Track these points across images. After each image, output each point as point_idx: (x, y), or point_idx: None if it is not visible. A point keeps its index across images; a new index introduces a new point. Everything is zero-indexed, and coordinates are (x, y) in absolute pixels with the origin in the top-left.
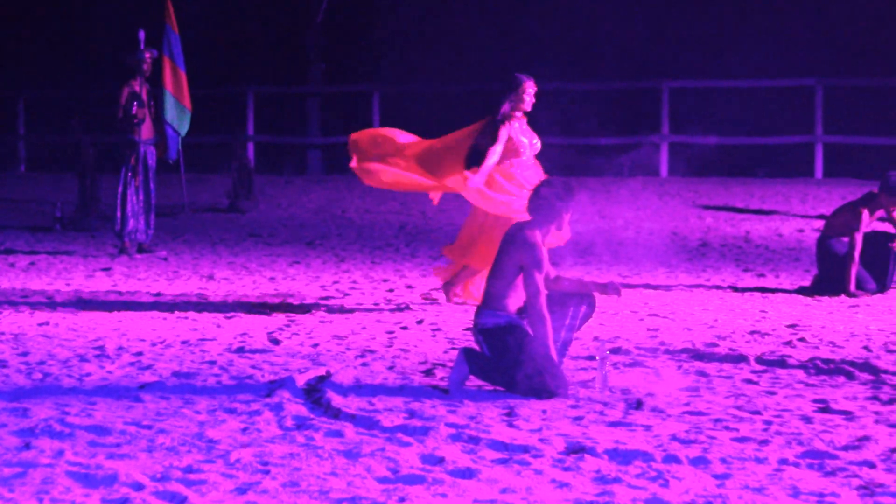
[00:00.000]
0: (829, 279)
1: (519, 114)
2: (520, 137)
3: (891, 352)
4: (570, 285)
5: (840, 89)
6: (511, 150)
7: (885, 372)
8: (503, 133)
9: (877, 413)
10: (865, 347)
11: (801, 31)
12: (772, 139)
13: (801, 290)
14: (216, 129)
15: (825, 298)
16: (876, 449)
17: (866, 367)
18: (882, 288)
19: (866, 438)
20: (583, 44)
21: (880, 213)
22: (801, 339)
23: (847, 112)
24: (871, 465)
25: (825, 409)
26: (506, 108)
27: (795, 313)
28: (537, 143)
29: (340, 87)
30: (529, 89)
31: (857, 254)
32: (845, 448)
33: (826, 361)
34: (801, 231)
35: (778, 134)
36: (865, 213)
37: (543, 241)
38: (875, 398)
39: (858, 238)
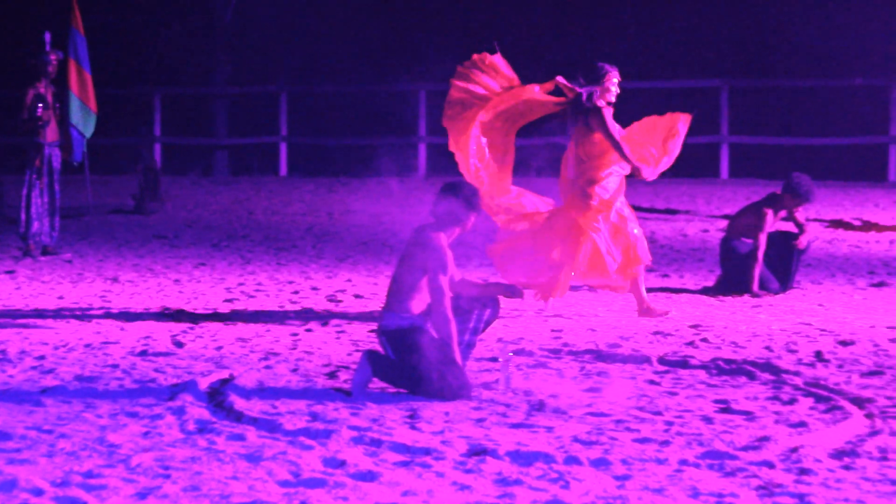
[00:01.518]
0: (733, 279)
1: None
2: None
3: (792, 352)
4: (474, 288)
5: (745, 90)
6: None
7: (786, 372)
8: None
9: (777, 413)
10: (767, 348)
11: (706, 33)
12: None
13: (705, 291)
14: (123, 130)
15: (728, 298)
16: (775, 449)
17: (768, 367)
18: (785, 288)
19: (766, 439)
20: (478, 43)
21: (784, 213)
22: (704, 340)
23: (752, 112)
24: (771, 466)
25: (726, 410)
26: (597, 101)
27: (698, 313)
28: None
29: (248, 88)
30: (615, 78)
31: (760, 254)
32: (745, 448)
33: (728, 362)
34: (705, 231)
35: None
36: (769, 214)
37: (448, 243)
38: (776, 398)
39: (762, 238)
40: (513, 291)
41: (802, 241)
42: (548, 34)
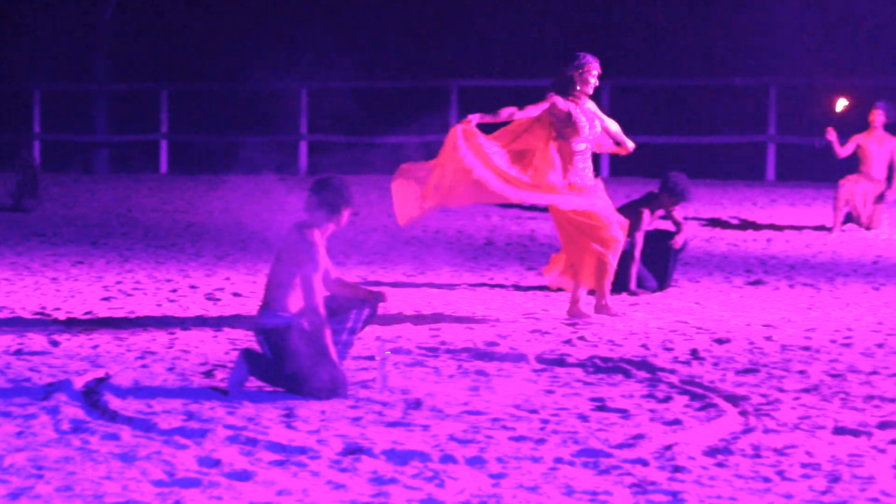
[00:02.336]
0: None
1: (581, 94)
2: (580, 117)
3: (668, 350)
4: (346, 289)
5: (629, 89)
6: (572, 130)
7: (662, 370)
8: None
9: (652, 411)
10: (644, 346)
11: (600, 34)
12: None
13: None
14: (1, 127)
15: None
16: (650, 447)
17: (644, 365)
18: (662, 286)
19: (641, 436)
20: (366, 42)
21: (661, 212)
22: (581, 338)
23: (633, 111)
24: (645, 463)
25: (602, 408)
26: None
27: None
28: (598, 128)
29: (128, 85)
30: (594, 70)
31: (637, 253)
32: (620, 446)
33: (604, 360)
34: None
35: None
36: (646, 213)
37: (322, 239)
38: (651, 396)
39: (639, 237)
40: (378, 297)
41: (679, 241)
42: (392, 29)
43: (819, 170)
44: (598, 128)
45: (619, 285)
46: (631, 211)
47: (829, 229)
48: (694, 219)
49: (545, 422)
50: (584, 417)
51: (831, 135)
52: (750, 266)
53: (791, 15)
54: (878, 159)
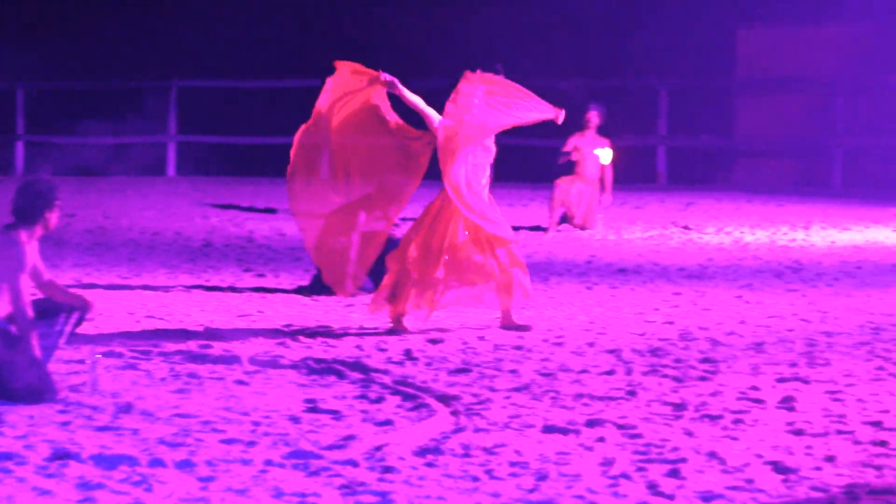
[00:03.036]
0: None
1: None
2: None
3: (382, 350)
4: (56, 293)
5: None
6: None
7: (376, 371)
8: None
9: (364, 412)
10: (358, 347)
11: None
12: (280, 139)
13: (300, 290)
14: None
15: (323, 298)
16: (360, 448)
17: (357, 366)
18: (377, 286)
19: (352, 437)
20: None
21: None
22: (296, 339)
23: None
24: (355, 464)
25: (314, 409)
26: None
27: (292, 313)
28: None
29: None
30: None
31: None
32: (330, 447)
33: (318, 361)
34: (304, 231)
35: (287, 134)
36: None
37: (30, 241)
38: (363, 397)
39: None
40: (85, 304)
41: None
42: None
43: (535, 170)
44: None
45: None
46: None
47: (545, 229)
48: (412, 219)
49: (256, 424)
50: (295, 419)
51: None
52: None
53: (504, 15)
54: (593, 160)
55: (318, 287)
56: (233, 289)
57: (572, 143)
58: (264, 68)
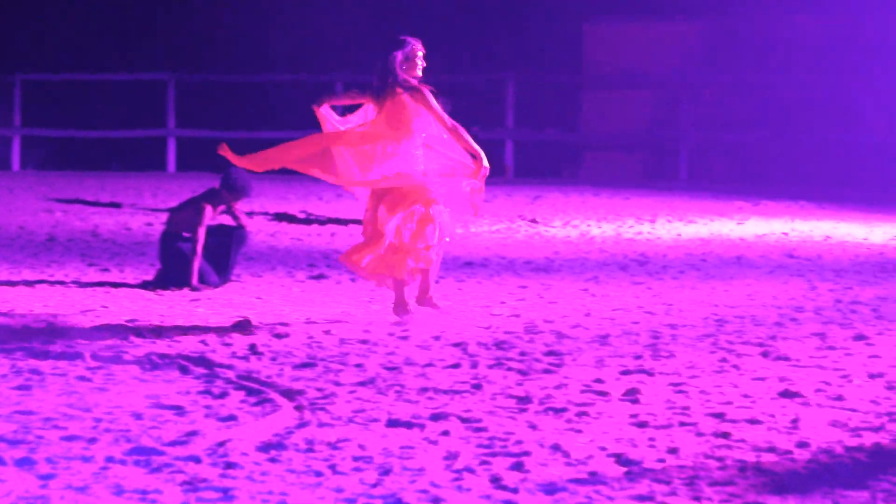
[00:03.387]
0: (172, 273)
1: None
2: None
3: (227, 345)
4: None
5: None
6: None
7: (220, 366)
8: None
9: (207, 407)
10: (202, 342)
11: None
12: (125, 132)
13: (145, 285)
14: None
15: (168, 292)
16: (203, 443)
17: (202, 361)
18: (223, 280)
19: (194, 433)
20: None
21: (223, 207)
22: (139, 334)
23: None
24: (197, 460)
25: (157, 405)
26: (401, 75)
27: (136, 308)
28: None
29: None
30: (420, 52)
31: (199, 248)
32: (172, 444)
33: (162, 356)
34: (149, 225)
35: (131, 127)
36: (208, 209)
37: None
38: (207, 392)
39: (201, 233)
40: None
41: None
42: None
43: None
44: None
45: (181, 281)
46: (193, 206)
47: None
48: (262, 213)
49: (98, 420)
50: (137, 415)
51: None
52: (313, 260)
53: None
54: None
55: (162, 281)
56: (77, 283)
57: None
58: (109, 63)
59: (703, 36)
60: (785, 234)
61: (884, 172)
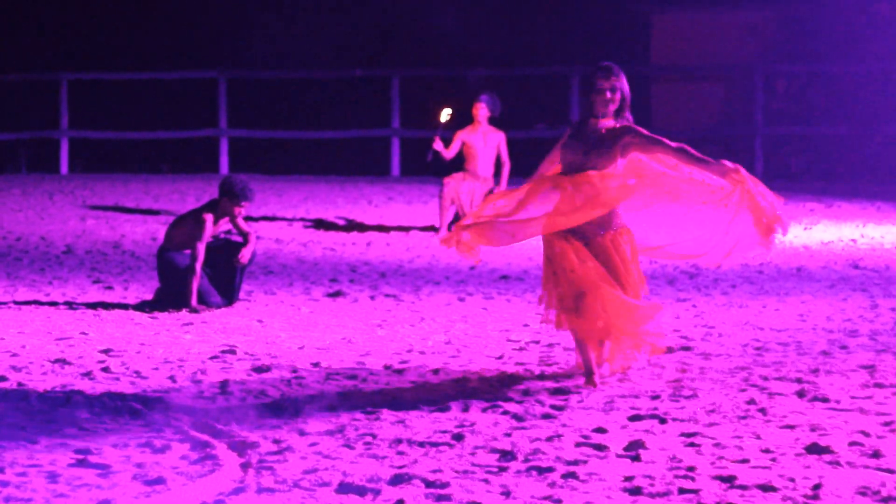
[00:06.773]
0: (171, 293)
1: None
2: None
3: (196, 382)
4: None
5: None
6: None
7: (178, 409)
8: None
9: (139, 466)
10: (171, 377)
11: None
12: (175, 133)
13: (142, 306)
14: None
15: (164, 314)
16: None
17: (159, 403)
18: (230, 301)
19: (106, 502)
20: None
21: (227, 219)
22: (106, 369)
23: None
24: None
25: (81, 464)
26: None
27: (119, 335)
28: None
29: None
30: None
31: (198, 266)
32: None
33: (118, 398)
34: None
35: (181, 128)
36: (209, 220)
37: None
38: (148, 445)
39: (200, 248)
40: None
41: (245, 255)
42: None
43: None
44: None
45: (180, 301)
46: (193, 219)
47: (437, 230)
48: (300, 220)
49: (4, 485)
50: (53, 477)
51: (437, 144)
52: (337, 274)
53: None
54: (484, 156)
55: (161, 302)
56: (69, 305)
57: (460, 138)
58: (158, 61)
59: (776, 25)
60: (853, 240)
61: None
